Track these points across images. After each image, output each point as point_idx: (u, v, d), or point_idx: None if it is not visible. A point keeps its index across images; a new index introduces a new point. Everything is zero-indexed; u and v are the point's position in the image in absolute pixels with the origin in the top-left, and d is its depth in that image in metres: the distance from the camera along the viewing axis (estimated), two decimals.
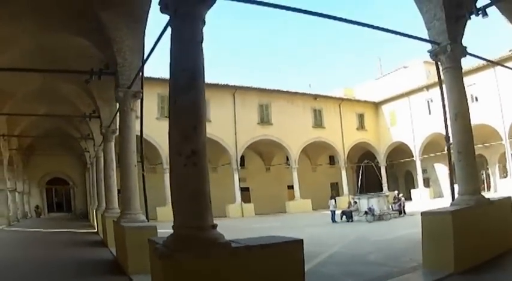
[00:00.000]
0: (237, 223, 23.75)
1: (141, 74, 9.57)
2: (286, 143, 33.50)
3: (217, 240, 4.19)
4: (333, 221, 20.64)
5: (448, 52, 7.39)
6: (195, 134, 4.41)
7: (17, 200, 27.18)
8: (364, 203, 20.97)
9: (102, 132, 14.44)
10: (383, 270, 7.16)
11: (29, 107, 14.27)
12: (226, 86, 31.00)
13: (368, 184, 27.45)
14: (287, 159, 34.90)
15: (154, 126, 26.93)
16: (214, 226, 4.32)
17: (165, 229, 17.46)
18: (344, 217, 20.85)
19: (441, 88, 7.98)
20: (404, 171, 39.83)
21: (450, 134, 7.73)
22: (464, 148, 7.44)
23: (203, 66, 4.67)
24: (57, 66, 11.51)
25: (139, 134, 10.06)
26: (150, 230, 8.36)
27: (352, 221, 20.42)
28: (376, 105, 39.14)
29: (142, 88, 9.85)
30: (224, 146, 30.41)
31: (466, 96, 7.63)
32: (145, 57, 8.95)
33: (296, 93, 34.92)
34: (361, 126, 38.35)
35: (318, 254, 9.55)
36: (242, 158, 33.56)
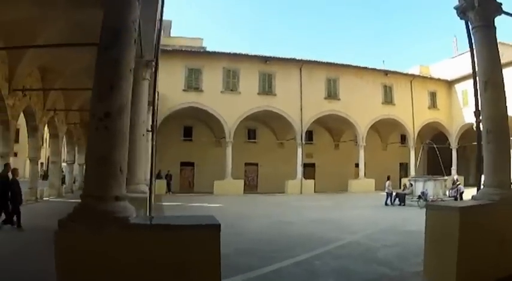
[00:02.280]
0: (286, 199, 23.43)
1: (155, 44, 9.38)
2: (354, 119, 31.78)
3: (115, 214, 3.76)
4: (385, 204, 19.21)
5: (477, 8, 5.98)
6: (110, 95, 3.97)
7: (77, 171, 28.90)
8: (419, 186, 19.17)
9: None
10: (379, 272, 6.11)
11: (79, 83, 14.84)
12: (292, 60, 30.18)
13: (436, 166, 25.06)
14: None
15: (218, 99, 27.55)
16: (119, 198, 3.89)
17: (211, 203, 17.71)
18: (397, 199, 19.29)
19: (471, 51, 6.56)
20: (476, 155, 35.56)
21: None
22: (495, 126, 6.00)
23: (135, 25, 4.23)
24: (93, 41, 11.65)
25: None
26: (138, 201, 8.16)
27: (403, 205, 18.81)
28: (449, 84, 35.48)
29: (156, 58, 9.67)
30: (289, 121, 29.74)
31: (499, 61, 6.16)
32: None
33: (366, 68, 32.75)
34: (433, 105, 35.09)
35: (330, 241, 8.80)
36: (310, 133, 32.85)
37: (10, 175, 10.57)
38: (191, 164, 31.40)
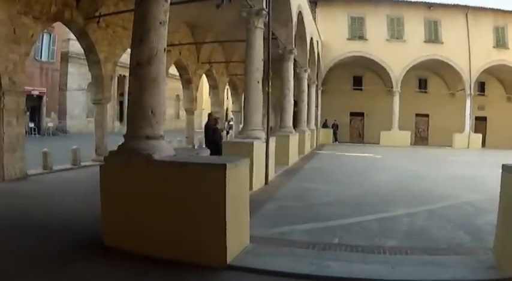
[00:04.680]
0: (447, 153, 21.48)
1: None
2: None
3: (142, 151, 4.31)
4: None
5: None
6: (140, 46, 4.45)
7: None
8: None
9: (279, 53, 15.05)
10: (454, 241, 4.93)
11: (233, 35, 15.80)
12: (457, 6, 26.84)
13: None
14: None
15: (383, 48, 26.71)
16: (149, 137, 4.41)
17: (369, 153, 17.54)
18: None
19: None
20: None
21: None
22: None
23: None
24: None
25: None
26: (245, 146, 8.74)
27: None
28: None
29: (268, 7, 9.73)
30: (457, 70, 26.70)
31: None
32: None
33: None
34: None
35: (443, 200, 7.78)
36: (482, 84, 29.11)
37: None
38: (361, 114, 31.08)
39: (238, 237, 4.31)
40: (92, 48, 11.87)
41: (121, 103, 35.57)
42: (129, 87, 4.62)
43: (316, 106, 24.85)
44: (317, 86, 24.56)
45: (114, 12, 11.27)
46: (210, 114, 12.22)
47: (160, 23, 4.50)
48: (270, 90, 10.44)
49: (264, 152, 9.59)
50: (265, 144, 9.64)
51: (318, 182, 10.26)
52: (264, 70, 10.07)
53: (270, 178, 9.85)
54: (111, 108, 32.42)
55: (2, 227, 5.25)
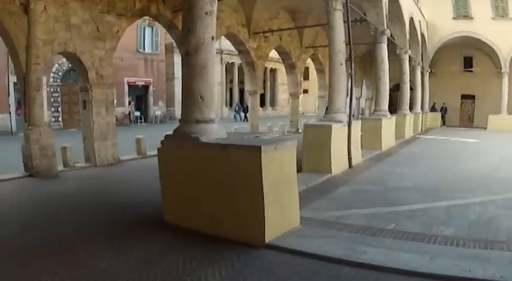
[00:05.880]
0: None
1: None
2: None
3: (192, 134, 4.59)
4: None
5: None
6: (188, 36, 4.71)
7: (363, 105, 30.25)
8: None
9: (371, 35, 14.41)
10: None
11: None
12: None
13: None
14: None
15: (489, 26, 24.20)
16: (199, 121, 4.67)
17: (470, 138, 16.16)
18: None
19: None
20: None
21: None
22: None
23: None
24: None
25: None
26: (323, 129, 8.63)
27: None
28: None
29: None
30: None
31: None
32: None
33: None
34: None
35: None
36: None
37: None
38: (471, 97, 28.41)
39: (281, 218, 4.36)
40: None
41: (230, 89, 38.09)
42: (181, 74, 4.91)
43: (422, 89, 23.31)
44: (422, 68, 22.96)
45: None
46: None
47: (207, 13, 4.67)
48: (354, 72, 10.08)
49: (346, 136, 9.37)
50: (346, 127, 9.38)
51: (405, 166, 9.67)
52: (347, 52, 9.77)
53: (355, 162, 9.61)
54: (220, 94, 35.32)
55: (81, 205, 6.14)
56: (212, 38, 4.78)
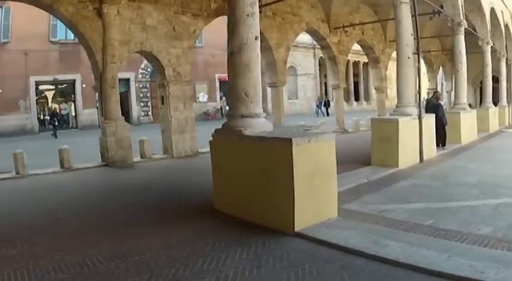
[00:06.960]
0: None
1: None
2: None
3: (237, 128, 5.01)
4: None
5: None
6: (232, 37, 5.14)
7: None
8: None
9: (448, 26, 13.65)
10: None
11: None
12: None
13: None
14: None
15: None
16: (244, 116, 5.06)
17: None
18: None
19: None
20: None
21: None
22: None
23: None
24: None
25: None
26: (390, 123, 8.53)
27: None
28: None
29: None
30: None
31: None
32: None
33: None
34: None
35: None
36: None
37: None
38: None
39: (316, 208, 4.57)
40: (261, 37, 13.07)
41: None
42: (227, 73, 5.33)
43: (509, 81, 21.21)
44: (507, 59, 20.95)
45: (270, 2, 11.92)
46: (436, 92, 12.54)
47: (248, 15, 5.02)
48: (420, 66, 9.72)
49: (417, 130, 9.10)
50: (417, 121, 9.11)
51: (479, 161, 9.05)
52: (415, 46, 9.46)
53: (428, 156, 9.34)
54: (313, 89, 37.32)
55: (143, 191, 7.00)
56: (256, 37, 5.11)
